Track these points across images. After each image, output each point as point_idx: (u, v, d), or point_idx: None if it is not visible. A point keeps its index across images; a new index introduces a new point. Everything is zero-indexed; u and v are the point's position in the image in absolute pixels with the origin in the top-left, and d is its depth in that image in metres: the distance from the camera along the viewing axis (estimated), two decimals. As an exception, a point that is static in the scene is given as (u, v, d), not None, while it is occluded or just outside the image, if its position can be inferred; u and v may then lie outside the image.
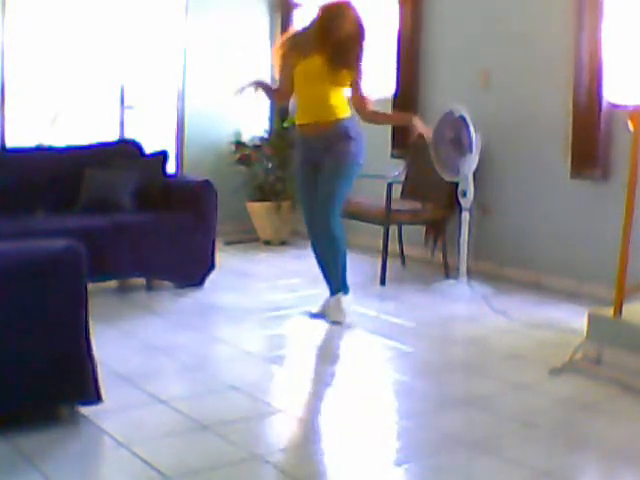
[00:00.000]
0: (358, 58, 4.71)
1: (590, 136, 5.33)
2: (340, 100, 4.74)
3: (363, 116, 4.84)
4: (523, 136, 5.83)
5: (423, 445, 3.19)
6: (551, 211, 5.70)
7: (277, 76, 4.97)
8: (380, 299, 5.53)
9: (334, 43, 4.66)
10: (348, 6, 4.71)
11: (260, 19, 7.70)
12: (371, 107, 4.82)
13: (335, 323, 4.81)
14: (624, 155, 4.81)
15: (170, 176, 6.07)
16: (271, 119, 7.73)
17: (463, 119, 5.53)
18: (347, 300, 4.89)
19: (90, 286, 3.30)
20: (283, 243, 7.26)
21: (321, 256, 4.89)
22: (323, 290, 5.06)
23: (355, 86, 4.75)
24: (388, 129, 6.61)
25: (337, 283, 4.86)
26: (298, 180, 4.95)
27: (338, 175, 4.70)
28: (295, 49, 4.79)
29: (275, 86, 5.05)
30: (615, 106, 5.25)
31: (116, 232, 5.24)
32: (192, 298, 5.36)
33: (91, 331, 3.25)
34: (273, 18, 7.73)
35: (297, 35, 4.89)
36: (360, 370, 4.16)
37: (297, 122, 4.86)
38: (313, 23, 4.78)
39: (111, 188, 5.60)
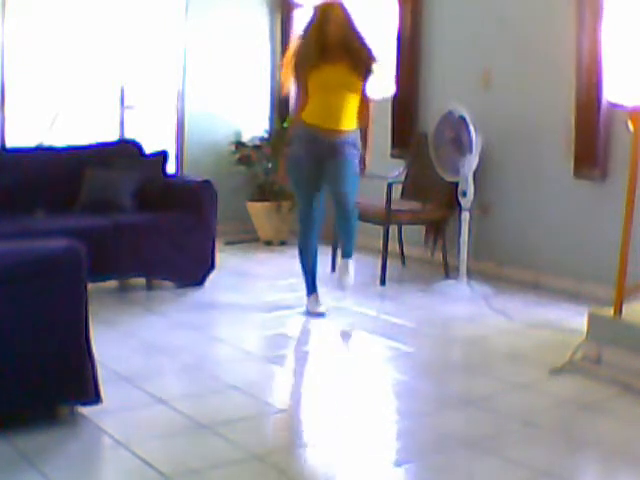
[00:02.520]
0: (363, 57, 4.80)
1: (590, 136, 5.32)
2: (354, 110, 4.84)
3: (364, 123, 4.94)
4: (523, 136, 5.83)
5: (423, 445, 3.19)
6: (551, 211, 5.70)
7: (293, 93, 5.07)
8: (380, 299, 5.54)
9: (337, 44, 4.76)
10: (339, 5, 4.79)
11: (260, 19, 7.69)
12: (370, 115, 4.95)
13: (341, 285, 5.02)
14: (624, 155, 4.81)
15: (170, 176, 6.07)
16: (271, 119, 7.74)
17: (463, 119, 5.53)
18: (352, 263, 5.09)
19: (90, 286, 3.30)
20: (283, 243, 7.26)
21: (312, 255, 5.00)
22: (322, 290, 5.07)
23: (362, 89, 4.83)
24: (388, 129, 6.61)
25: (350, 249, 5.06)
26: (300, 173, 4.89)
27: (349, 173, 4.84)
28: (303, 60, 4.82)
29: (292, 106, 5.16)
30: (615, 106, 5.24)
31: (116, 232, 5.25)
32: (192, 298, 5.36)
33: (91, 331, 3.25)
34: (273, 18, 7.73)
35: (300, 46, 4.88)
36: (360, 370, 4.17)
37: (307, 121, 4.85)
38: (309, 27, 4.82)
39: (111, 188, 5.60)
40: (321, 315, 4.95)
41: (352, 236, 5.03)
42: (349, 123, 4.82)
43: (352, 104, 4.82)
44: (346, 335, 4.80)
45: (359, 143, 4.88)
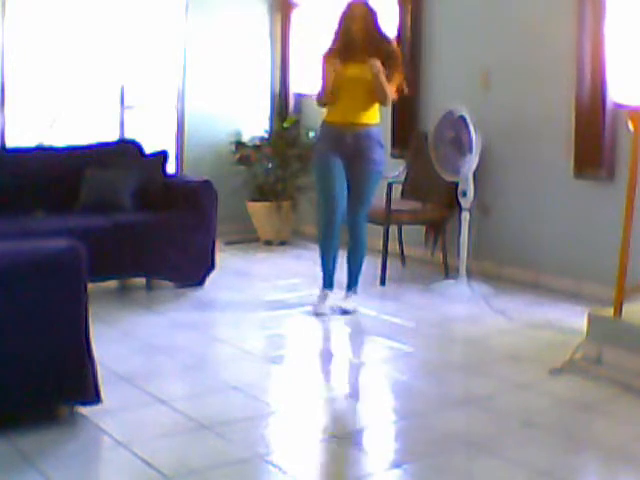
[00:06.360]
0: (391, 50, 4.96)
1: (594, 136, 5.30)
2: (376, 107, 4.96)
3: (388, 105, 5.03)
4: (523, 136, 5.83)
5: (423, 445, 3.19)
6: (551, 211, 5.70)
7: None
8: (380, 299, 5.53)
9: (362, 43, 4.88)
10: (364, 4, 4.94)
11: (260, 19, 7.69)
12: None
13: (344, 311, 4.97)
14: (629, 155, 4.80)
15: (170, 176, 6.06)
16: (271, 119, 7.73)
17: (463, 119, 5.53)
18: (356, 299, 5.11)
19: (90, 286, 3.31)
20: (283, 243, 7.25)
21: (333, 251, 4.99)
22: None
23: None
24: (388, 130, 6.61)
25: (353, 282, 5.11)
26: (325, 167, 4.93)
27: (372, 182, 4.99)
28: (335, 56, 4.92)
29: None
30: (619, 106, 5.22)
31: (116, 232, 5.25)
32: (192, 298, 5.36)
33: (91, 331, 3.25)
34: (273, 18, 7.72)
35: (335, 42, 4.99)
36: (360, 370, 4.17)
37: (329, 119, 5.00)
38: (340, 25, 4.96)
39: (111, 188, 5.60)
40: (322, 315, 4.94)
41: (360, 261, 5.07)
42: (371, 117, 4.94)
43: (373, 100, 4.92)
44: (346, 335, 4.79)
45: (382, 138, 5.00)
